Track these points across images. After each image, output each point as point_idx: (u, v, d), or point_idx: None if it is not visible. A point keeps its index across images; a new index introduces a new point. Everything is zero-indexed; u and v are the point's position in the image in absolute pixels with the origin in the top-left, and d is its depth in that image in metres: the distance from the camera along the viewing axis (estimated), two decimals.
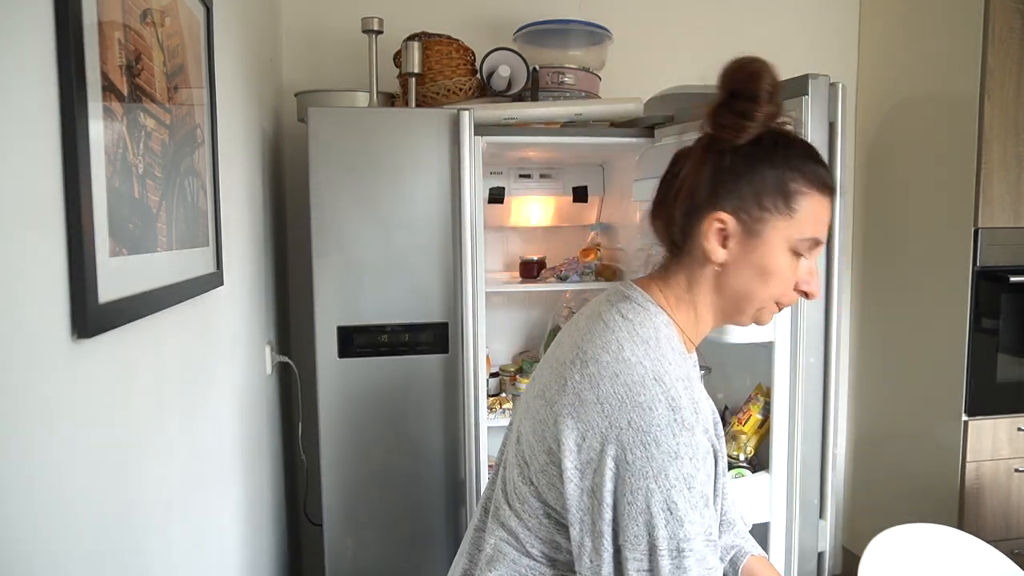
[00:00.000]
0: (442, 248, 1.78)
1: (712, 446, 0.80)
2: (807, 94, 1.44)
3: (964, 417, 2.22)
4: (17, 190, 0.63)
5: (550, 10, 2.23)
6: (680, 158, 0.88)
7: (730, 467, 1.56)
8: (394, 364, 1.77)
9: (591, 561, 0.79)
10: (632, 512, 0.76)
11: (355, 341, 1.75)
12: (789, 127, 0.87)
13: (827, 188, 0.84)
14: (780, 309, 0.87)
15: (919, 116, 2.44)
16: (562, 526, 0.84)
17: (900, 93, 2.54)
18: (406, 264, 1.77)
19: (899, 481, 2.53)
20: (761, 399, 1.61)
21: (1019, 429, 2.24)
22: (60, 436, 0.70)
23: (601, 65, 2.17)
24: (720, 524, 0.84)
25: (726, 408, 1.79)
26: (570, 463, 0.79)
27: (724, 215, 0.82)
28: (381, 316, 1.76)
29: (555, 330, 2.33)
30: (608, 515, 0.77)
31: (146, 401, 0.94)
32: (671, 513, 0.75)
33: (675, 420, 0.76)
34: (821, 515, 1.55)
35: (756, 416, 1.59)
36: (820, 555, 1.56)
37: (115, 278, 0.79)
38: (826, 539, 1.56)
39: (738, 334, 1.52)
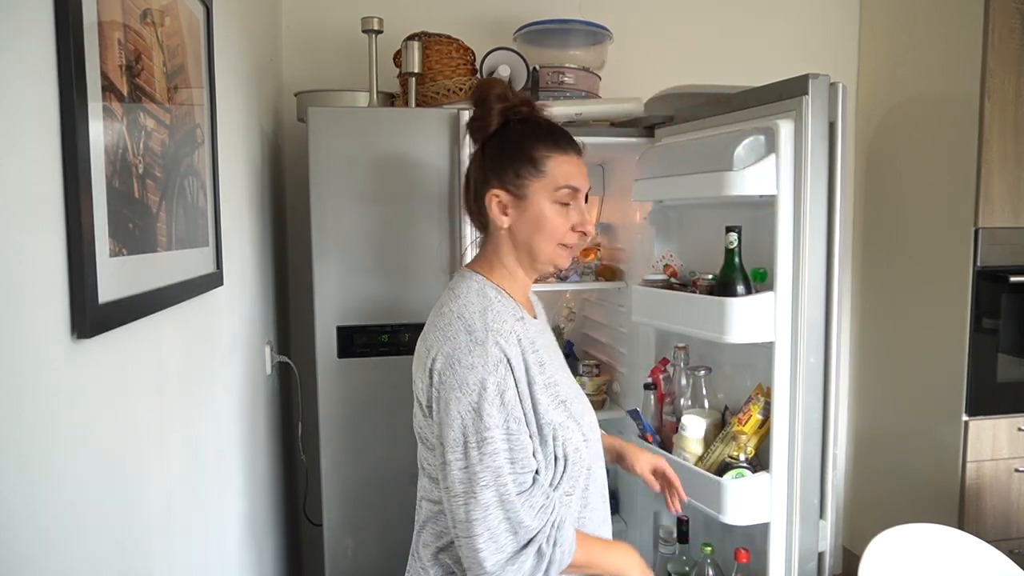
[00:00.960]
0: (442, 248, 1.77)
1: (503, 353, 0.98)
2: (807, 94, 1.44)
3: (964, 417, 2.22)
4: (17, 190, 0.63)
5: (550, 10, 2.23)
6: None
7: (730, 467, 1.56)
8: (394, 364, 1.77)
9: (443, 483, 0.98)
10: (449, 421, 0.96)
11: (355, 341, 1.75)
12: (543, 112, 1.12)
13: (563, 147, 1.08)
14: (570, 251, 1.10)
15: (919, 116, 2.44)
16: None
17: (900, 93, 2.54)
18: (406, 264, 1.77)
19: (899, 481, 2.53)
20: (761, 399, 1.60)
21: (1019, 429, 2.24)
22: (60, 436, 0.70)
23: (601, 65, 2.17)
24: (540, 427, 1.02)
25: (727, 408, 1.78)
26: (424, 406, 1.01)
27: (497, 190, 1.07)
28: (381, 316, 1.76)
29: (555, 329, 2.33)
30: (438, 432, 0.98)
31: (146, 401, 0.94)
32: (474, 412, 0.95)
33: (471, 340, 0.98)
34: (821, 515, 1.55)
35: (756, 416, 1.59)
36: (820, 555, 1.56)
37: (115, 278, 0.79)
38: (826, 539, 1.56)
39: (738, 334, 1.52)
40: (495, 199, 1.07)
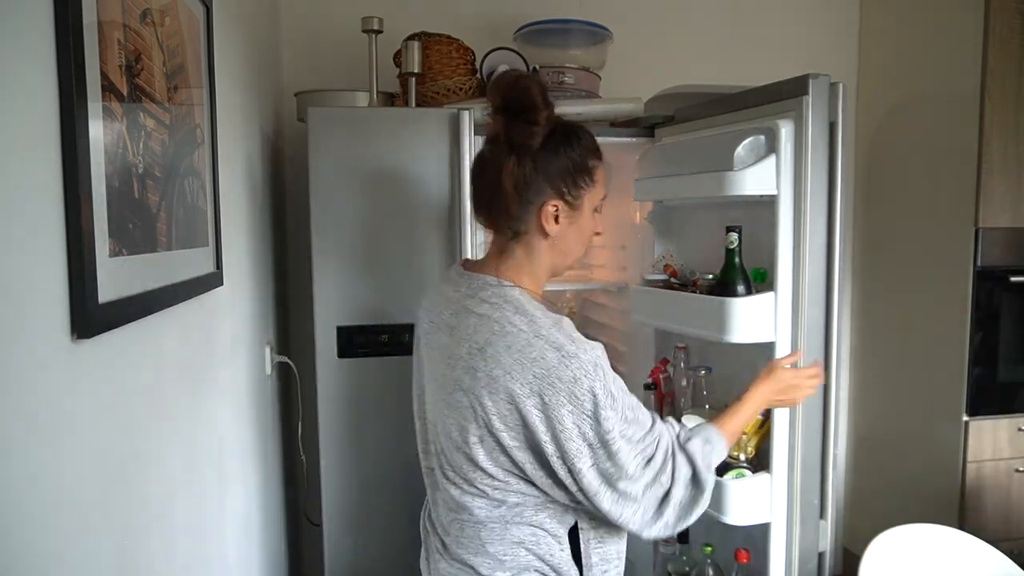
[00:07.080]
0: (442, 248, 1.77)
1: (595, 357, 0.99)
2: (807, 94, 1.44)
3: (965, 417, 2.22)
4: (17, 190, 0.63)
5: (550, 10, 2.23)
6: (488, 164, 1.07)
7: (730, 467, 1.56)
8: (394, 364, 1.77)
9: (576, 486, 1.00)
10: (567, 435, 0.96)
11: (355, 341, 1.75)
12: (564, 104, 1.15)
13: (601, 155, 1.10)
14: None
15: (919, 116, 2.44)
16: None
17: (900, 93, 2.54)
18: (406, 264, 1.76)
19: (900, 481, 2.53)
20: None
21: (1020, 429, 2.24)
22: (60, 437, 0.70)
23: (601, 65, 2.17)
24: None
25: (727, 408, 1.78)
26: (499, 428, 0.99)
27: (555, 201, 1.04)
28: (381, 316, 1.76)
29: None
30: (553, 449, 0.97)
31: (146, 401, 0.94)
32: (592, 420, 0.97)
33: (562, 356, 0.96)
34: (822, 515, 1.55)
35: (757, 416, 1.59)
36: (821, 555, 1.56)
37: (115, 278, 0.79)
38: (827, 539, 1.56)
39: (738, 334, 1.52)
40: (551, 209, 1.04)
